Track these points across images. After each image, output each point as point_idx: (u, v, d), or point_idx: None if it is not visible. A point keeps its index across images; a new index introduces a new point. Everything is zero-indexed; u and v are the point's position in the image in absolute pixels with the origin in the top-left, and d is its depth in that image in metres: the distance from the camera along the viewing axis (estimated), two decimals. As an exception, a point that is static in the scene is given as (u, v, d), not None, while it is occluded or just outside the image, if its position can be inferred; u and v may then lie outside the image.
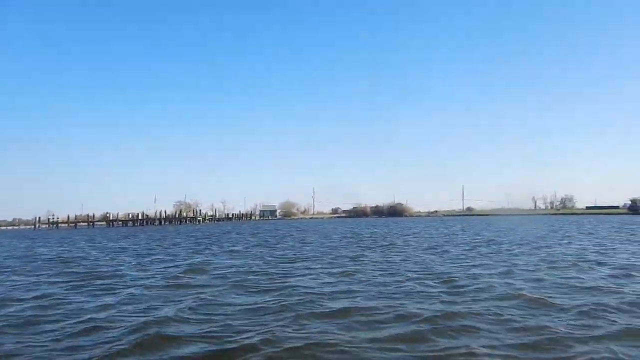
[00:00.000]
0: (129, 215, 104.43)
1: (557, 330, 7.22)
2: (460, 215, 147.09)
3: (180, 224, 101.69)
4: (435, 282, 11.82)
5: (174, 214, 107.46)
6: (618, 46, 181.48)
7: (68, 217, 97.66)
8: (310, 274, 13.83)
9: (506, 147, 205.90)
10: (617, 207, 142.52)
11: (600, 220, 75.58)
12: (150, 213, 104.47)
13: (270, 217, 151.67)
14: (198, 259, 19.60)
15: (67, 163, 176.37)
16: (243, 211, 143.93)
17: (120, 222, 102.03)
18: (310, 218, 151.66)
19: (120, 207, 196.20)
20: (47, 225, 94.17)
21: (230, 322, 8.08)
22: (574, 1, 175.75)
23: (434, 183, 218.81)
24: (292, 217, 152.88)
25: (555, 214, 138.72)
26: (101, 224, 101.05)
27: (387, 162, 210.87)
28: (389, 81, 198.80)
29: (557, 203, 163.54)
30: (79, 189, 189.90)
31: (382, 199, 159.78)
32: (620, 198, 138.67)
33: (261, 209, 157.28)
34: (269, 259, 18.92)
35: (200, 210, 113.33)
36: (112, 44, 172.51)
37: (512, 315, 8.28)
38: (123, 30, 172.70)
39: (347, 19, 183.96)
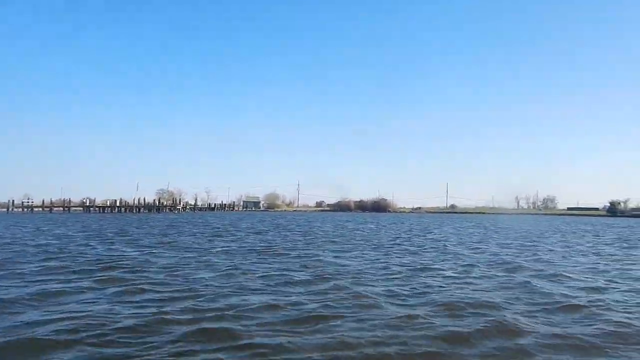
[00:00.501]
0: (107, 202, 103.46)
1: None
2: (442, 212, 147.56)
3: (158, 212, 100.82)
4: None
5: (153, 202, 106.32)
6: (604, 47, 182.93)
7: (43, 201, 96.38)
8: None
9: (493, 147, 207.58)
10: (597, 209, 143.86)
11: (564, 220, 76.24)
12: (132, 200, 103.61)
13: (253, 209, 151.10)
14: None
15: (50, 147, 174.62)
16: (227, 202, 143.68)
17: (97, 208, 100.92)
18: (294, 210, 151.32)
19: (103, 194, 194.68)
20: (20, 209, 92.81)
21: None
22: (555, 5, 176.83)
23: (420, 180, 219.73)
24: (276, 209, 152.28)
25: (537, 214, 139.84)
26: (78, 210, 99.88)
27: (375, 158, 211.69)
28: (380, 78, 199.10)
29: (540, 203, 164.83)
30: (62, 175, 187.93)
31: (369, 194, 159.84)
32: (603, 200, 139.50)
33: (244, 200, 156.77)
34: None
35: (180, 200, 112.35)
36: (103, 28, 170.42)
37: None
38: (103, 14, 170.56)
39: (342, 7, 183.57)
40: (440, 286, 10.30)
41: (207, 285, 10.08)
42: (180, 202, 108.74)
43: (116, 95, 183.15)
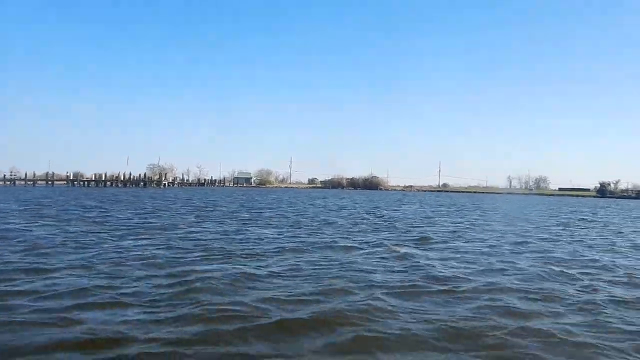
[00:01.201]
0: (94, 176, 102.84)
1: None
2: (433, 191, 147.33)
3: (145, 186, 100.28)
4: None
5: (139, 176, 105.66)
6: (596, 33, 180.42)
7: (26, 174, 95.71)
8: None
9: (487, 128, 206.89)
10: (588, 190, 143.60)
11: (546, 201, 76.23)
12: (121, 175, 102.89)
13: (244, 185, 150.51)
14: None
15: (41, 121, 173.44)
16: (220, 177, 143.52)
17: (83, 182, 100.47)
18: (285, 187, 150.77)
19: (94, 168, 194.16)
20: (2, 182, 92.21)
21: None
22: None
23: (415, 160, 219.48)
24: (268, 185, 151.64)
25: (528, 194, 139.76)
26: (62, 183, 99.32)
27: (371, 136, 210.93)
28: (377, 58, 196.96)
29: (532, 183, 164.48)
30: (54, 147, 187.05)
31: (364, 172, 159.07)
32: (596, 181, 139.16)
33: (236, 176, 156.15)
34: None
35: (165, 175, 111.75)
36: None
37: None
38: None
39: None
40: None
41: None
42: (165, 178, 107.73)
43: (111, 69, 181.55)
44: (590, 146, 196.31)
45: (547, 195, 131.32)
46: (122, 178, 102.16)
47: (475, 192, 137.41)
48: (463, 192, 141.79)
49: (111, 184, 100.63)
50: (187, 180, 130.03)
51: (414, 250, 12.58)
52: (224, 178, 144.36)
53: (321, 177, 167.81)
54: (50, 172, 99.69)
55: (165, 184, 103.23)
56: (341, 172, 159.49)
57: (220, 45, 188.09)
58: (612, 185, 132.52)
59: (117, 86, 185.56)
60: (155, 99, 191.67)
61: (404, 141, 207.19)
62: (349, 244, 13.45)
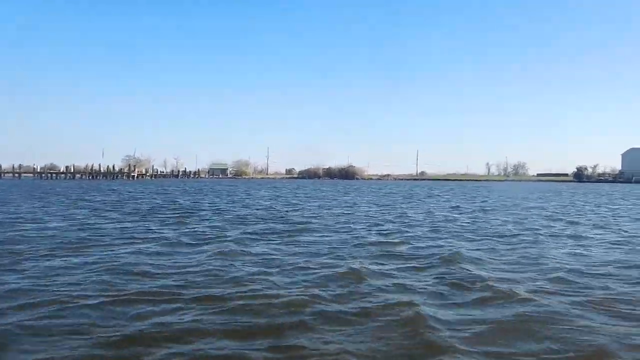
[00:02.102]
0: (64, 168, 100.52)
1: None
2: (410, 179, 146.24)
3: (114, 179, 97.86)
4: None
5: (107, 168, 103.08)
6: (573, 24, 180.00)
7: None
8: None
9: (465, 114, 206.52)
10: (566, 175, 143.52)
11: (522, 187, 75.47)
12: (97, 167, 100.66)
13: (220, 176, 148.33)
14: None
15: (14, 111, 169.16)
16: (196, 169, 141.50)
17: (51, 174, 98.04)
18: (262, 178, 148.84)
19: (70, 160, 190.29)
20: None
21: None
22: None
23: (393, 149, 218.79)
24: (244, 176, 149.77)
25: (505, 180, 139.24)
26: (28, 175, 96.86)
27: (347, 124, 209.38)
28: (357, 48, 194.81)
29: (510, 169, 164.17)
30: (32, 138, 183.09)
31: (344, 161, 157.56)
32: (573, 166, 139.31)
33: (211, 167, 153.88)
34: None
35: (135, 167, 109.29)
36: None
37: None
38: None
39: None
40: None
41: None
42: (135, 169, 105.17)
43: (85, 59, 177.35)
44: (571, 131, 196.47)
45: (524, 181, 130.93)
46: (89, 170, 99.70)
47: (452, 180, 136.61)
48: (441, 179, 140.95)
49: (81, 176, 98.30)
50: (161, 172, 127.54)
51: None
52: (198, 170, 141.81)
53: (301, 167, 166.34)
54: (17, 165, 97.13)
55: (134, 175, 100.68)
56: (323, 163, 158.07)
57: (203, 30, 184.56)
58: (589, 170, 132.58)
59: (97, 76, 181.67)
60: (134, 89, 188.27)
61: (385, 130, 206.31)
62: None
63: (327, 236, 12.20)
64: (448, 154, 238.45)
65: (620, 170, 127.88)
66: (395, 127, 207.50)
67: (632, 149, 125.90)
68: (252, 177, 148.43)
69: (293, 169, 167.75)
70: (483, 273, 7.67)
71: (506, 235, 12.74)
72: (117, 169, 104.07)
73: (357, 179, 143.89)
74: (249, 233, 12.51)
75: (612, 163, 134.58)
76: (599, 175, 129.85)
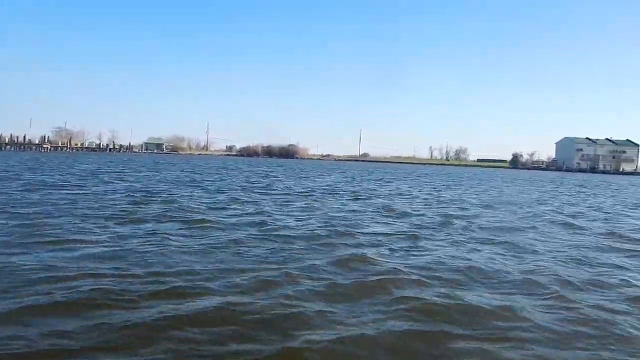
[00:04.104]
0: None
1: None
2: (351, 160, 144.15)
3: (23, 150, 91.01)
4: None
5: (16, 138, 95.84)
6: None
7: None
8: None
9: (410, 100, 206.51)
10: (505, 161, 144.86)
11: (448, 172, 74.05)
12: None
13: (155, 151, 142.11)
14: None
15: None
16: (131, 144, 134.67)
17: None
18: (199, 154, 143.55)
19: None
20: None
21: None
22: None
23: (337, 127, 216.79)
24: (180, 152, 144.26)
25: (443, 164, 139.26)
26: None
27: (297, 104, 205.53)
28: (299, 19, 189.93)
29: (452, 154, 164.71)
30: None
31: (285, 141, 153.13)
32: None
33: (146, 142, 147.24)
34: None
35: (48, 138, 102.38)
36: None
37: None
38: None
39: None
40: None
41: None
42: (47, 140, 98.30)
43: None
44: (512, 118, 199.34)
45: (464, 166, 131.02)
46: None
47: (391, 162, 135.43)
48: (379, 162, 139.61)
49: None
50: (88, 145, 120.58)
51: None
52: (130, 144, 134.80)
53: (238, 144, 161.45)
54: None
55: (46, 147, 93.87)
56: (265, 141, 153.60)
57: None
58: (525, 157, 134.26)
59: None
60: (71, 57, 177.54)
61: (327, 110, 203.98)
62: None
63: None
64: (394, 137, 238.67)
65: (553, 159, 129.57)
66: (340, 108, 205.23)
67: (565, 138, 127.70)
68: (189, 153, 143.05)
69: (234, 146, 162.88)
70: None
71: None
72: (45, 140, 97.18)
73: (296, 158, 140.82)
74: None
75: (549, 151, 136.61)
76: (533, 162, 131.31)
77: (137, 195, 14.25)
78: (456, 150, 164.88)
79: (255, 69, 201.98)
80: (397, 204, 15.06)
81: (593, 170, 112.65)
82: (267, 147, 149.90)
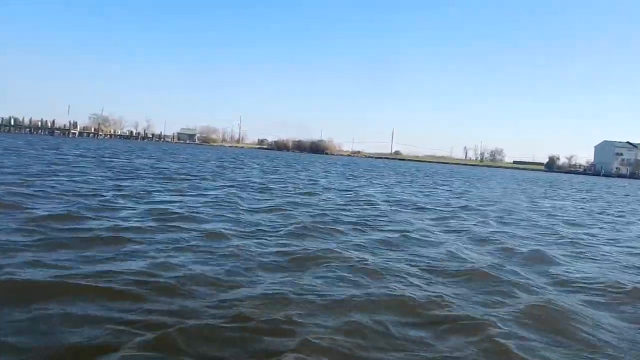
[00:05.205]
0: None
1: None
2: (381, 157, 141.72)
3: (51, 134, 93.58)
4: None
5: (45, 123, 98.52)
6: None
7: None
8: None
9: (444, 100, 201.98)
10: (542, 164, 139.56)
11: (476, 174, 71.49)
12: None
13: (187, 141, 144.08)
14: None
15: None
16: (165, 133, 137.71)
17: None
18: (230, 147, 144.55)
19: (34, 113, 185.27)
20: None
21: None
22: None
23: (368, 125, 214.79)
24: (212, 143, 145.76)
25: (477, 165, 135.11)
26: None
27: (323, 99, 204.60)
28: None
29: (487, 155, 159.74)
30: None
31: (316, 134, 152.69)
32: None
33: (179, 132, 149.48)
34: None
35: (81, 125, 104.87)
36: None
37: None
38: None
39: None
40: None
41: None
42: (75, 126, 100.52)
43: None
44: (551, 121, 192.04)
45: (496, 167, 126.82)
46: (30, 125, 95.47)
47: (422, 161, 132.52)
48: (413, 160, 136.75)
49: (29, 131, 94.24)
50: (122, 134, 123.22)
51: None
52: (161, 133, 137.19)
53: (271, 138, 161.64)
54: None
55: (74, 132, 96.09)
56: (310, 135, 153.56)
57: None
58: (562, 160, 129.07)
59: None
60: (115, 49, 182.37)
61: (362, 106, 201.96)
62: None
63: None
64: (428, 136, 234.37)
65: (592, 163, 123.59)
66: (371, 104, 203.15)
67: (605, 142, 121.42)
68: (221, 145, 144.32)
69: (265, 139, 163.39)
70: None
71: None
72: (79, 127, 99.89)
73: (326, 153, 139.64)
74: None
75: (588, 155, 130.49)
76: (571, 166, 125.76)
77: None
78: (491, 152, 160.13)
79: (288, 63, 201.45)
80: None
81: (633, 175, 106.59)
82: (297, 141, 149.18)
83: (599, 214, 16.60)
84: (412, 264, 6.21)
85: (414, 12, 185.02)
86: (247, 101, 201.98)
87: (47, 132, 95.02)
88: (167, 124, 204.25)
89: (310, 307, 4.21)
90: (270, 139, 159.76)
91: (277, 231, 7.90)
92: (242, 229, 7.83)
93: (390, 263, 6.10)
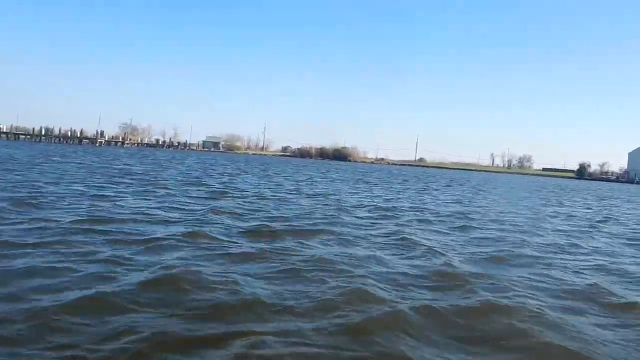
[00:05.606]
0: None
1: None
2: (405, 164, 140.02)
3: (80, 143, 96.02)
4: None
5: (74, 132, 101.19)
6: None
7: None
8: None
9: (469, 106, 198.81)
10: (572, 171, 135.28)
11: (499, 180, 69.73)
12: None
13: (212, 149, 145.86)
14: None
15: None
16: (191, 142, 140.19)
17: (20, 136, 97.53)
18: (253, 154, 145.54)
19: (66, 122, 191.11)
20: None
21: None
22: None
23: (392, 130, 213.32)
24: (236, 151, 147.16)
25: (505, 172, 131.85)
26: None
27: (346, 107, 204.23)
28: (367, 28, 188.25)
29: (515, 162, 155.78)
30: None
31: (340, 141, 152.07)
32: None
33: (204, 140, 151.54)
34: None
35: (110, 134, 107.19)
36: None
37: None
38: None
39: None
40: None
41: None
42: (101, 135, 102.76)
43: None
44: (583, 127, 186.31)
45: (523, 174, 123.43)
46: (56, 133, 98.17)
47: (448, 168, 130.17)
48: (438, 167, 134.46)
49: (56, 140, 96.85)
50: (148, 142, 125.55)
51: None
52: (186, 141, 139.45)
53: (294, 145, 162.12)
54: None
55: (100, 142, 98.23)
56: (321, 142, 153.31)
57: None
58: (592, 167, 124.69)
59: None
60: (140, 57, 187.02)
61: (387, 113, 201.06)
62: None
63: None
64: (453, 143, 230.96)
65: (625, 170, 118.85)
66: (392, 111, 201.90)
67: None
68: (245, 153, 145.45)
69: (289, 146, 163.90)
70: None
71: None
72: (107, 136, 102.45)
73: (349, 160, 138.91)
74: None
75: (621, 162, 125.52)
76: (603, 173, 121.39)
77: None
78: (519, 158, 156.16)
79: (313, 71, 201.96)
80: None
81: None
82: (320, 148, 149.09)
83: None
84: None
85: (443, 20, 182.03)
86: (272, 109, 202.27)
87: (76, 142, 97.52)
88: (193, 132, 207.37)
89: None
90: (294, 146, 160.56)
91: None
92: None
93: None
